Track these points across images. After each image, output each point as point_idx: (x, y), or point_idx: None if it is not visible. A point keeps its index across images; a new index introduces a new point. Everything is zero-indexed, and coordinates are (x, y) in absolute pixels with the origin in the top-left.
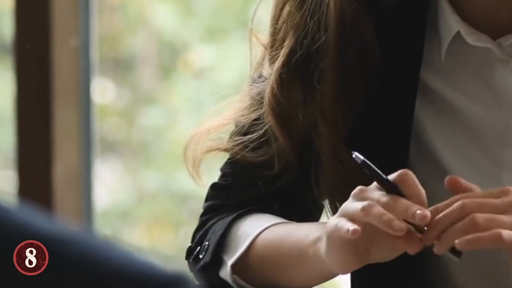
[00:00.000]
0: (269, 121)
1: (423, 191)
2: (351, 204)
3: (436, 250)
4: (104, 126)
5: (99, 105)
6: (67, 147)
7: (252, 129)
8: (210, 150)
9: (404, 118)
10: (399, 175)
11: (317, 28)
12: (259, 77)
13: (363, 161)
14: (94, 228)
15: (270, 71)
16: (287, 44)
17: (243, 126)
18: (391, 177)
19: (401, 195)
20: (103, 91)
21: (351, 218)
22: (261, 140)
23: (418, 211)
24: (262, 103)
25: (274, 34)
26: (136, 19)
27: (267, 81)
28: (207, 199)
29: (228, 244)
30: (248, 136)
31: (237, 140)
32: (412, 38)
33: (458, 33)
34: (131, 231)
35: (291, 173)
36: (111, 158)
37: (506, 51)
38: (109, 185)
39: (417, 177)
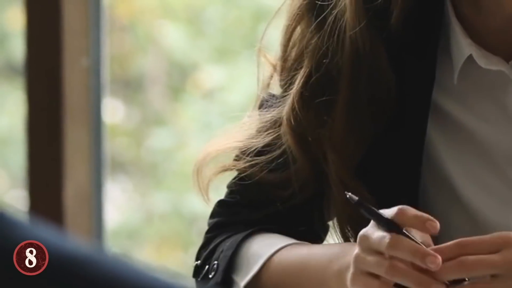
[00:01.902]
0: (286, 141)
1: (425, 220)
2: (367, 259)
3: None
4: (113, 146)
5: (108, 125)
6: (78, 166)
7: (264, 151)
8: (223, 171)
9: (416, 140)
10: (397, 213)
11: (334, 51)
12: (269, 98)
13: (358, 201)
14: (105, 247)
15: (282, 92)
16: (307, 64)
17: (254, 150)
18: (389, 213)
19: (401, 230)
20: (112, 111)
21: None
22: (277, 162)
23: (428, 257)
24: (272, 130)
25: (284, 55)
26: (146, 39)
27: (280, 103)
28: (212, 216)
29: (239, 264)
30: (262, 157)
31: (250, 161)
32: (424, 61)
33: (471, 56)
34: (139, 251)
35: (307, 193)
36: (120, 178)
37: None
38: (118, 204)
39: (429, 200)
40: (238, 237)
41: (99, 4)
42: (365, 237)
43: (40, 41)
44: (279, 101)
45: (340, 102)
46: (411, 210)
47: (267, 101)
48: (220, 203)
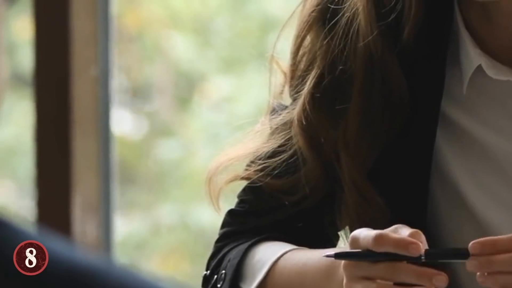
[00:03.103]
0: (297, 142)
1: (407, 243)
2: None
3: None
4: (120, 156)
5: (116, 135)
6: (87, 176)
7: (275, 153)
8: (235, 179)
9: (425, 150)
10: (374, 241)
11: (347, 55)
12: (279, 107)
13: (337, 254)
14: (113, 257)
15: (293, 97)
16: (319, 64)
17: (265, 154)
18: (367, 243)
19: (391, 255)
20: (120, 121)
21: None
22: (286, 166)
23: (437, 276)
24: (284, 132)
25: (294, 64)
26: (153, 50)
27: (290, 109)
28: (223, 226)
29: (245, 272)
30: (272, 159)
31: (260, 165)
32: (433, 70)
33: (480, 66)
34: (147, 262)
35: (317, 196)
36: (127, 188)
37: None
38: (125, 215)
39: (438, 209)
40: (244, 245)
41: (108, 14)
42: (355, 266)
43: (49, 51)
44: (290, 104)
45: (353, 105)
46: (389, 237)
47: (278, 110)
48: (229, 213)
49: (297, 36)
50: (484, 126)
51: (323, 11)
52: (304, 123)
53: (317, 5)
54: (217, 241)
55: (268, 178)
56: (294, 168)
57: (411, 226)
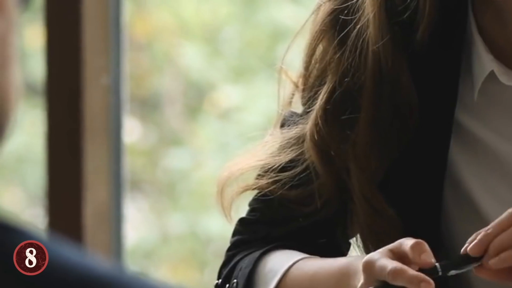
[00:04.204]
0: (310, 157)
1: (417, 276)
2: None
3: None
4: (130, 165)
5: (125, 144)
6: (98, 185)
7: (288, 167)
8: (246, 190)
9: (439, 158)
10: (389, 275)
11: (357, 67)
12: (290, 115)
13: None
14: (124, 266)
15: (305, 109)
16: (330, 79)
17: (277, 167)
18: (384, 276)
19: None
20: (129, 130)
21: None
22: (300, 177)
23: (423, 283)
24: (296, 146)
25: (306, 72)
26: (163, 59)
27: (303, 119)
28: (234, 234)
29: (257, 281)
30: (285, 173)
31: (273, 177)
32: (446, 77)
33: (492, 72)
34: (155, 271)
35: (329, 209)
36: (136, 197)
37: None
38: (134, 224)
39: (451, 219)
40: (256, 254)
41: (119, 23)
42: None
43: (60, 60)
44: (302, 118)
45: (363, 117)
46: (404, 273)
47: (288, 119)
48: (240, 221)
49: (310, 45)
50: (497, 134)
51: (336, 20)
52: (316, 137)
53: (330, 14)
54: (228, 249)
55: (280, 189)
56: (306, 182)
57: (424, 235)
